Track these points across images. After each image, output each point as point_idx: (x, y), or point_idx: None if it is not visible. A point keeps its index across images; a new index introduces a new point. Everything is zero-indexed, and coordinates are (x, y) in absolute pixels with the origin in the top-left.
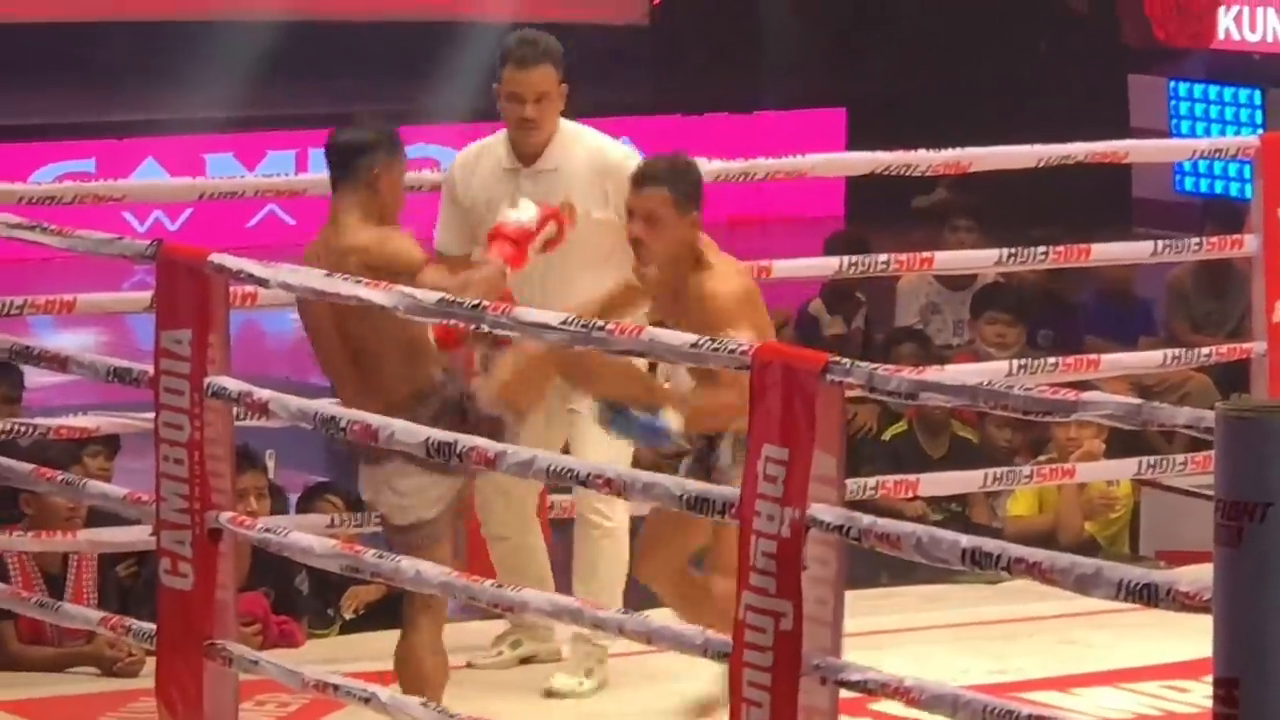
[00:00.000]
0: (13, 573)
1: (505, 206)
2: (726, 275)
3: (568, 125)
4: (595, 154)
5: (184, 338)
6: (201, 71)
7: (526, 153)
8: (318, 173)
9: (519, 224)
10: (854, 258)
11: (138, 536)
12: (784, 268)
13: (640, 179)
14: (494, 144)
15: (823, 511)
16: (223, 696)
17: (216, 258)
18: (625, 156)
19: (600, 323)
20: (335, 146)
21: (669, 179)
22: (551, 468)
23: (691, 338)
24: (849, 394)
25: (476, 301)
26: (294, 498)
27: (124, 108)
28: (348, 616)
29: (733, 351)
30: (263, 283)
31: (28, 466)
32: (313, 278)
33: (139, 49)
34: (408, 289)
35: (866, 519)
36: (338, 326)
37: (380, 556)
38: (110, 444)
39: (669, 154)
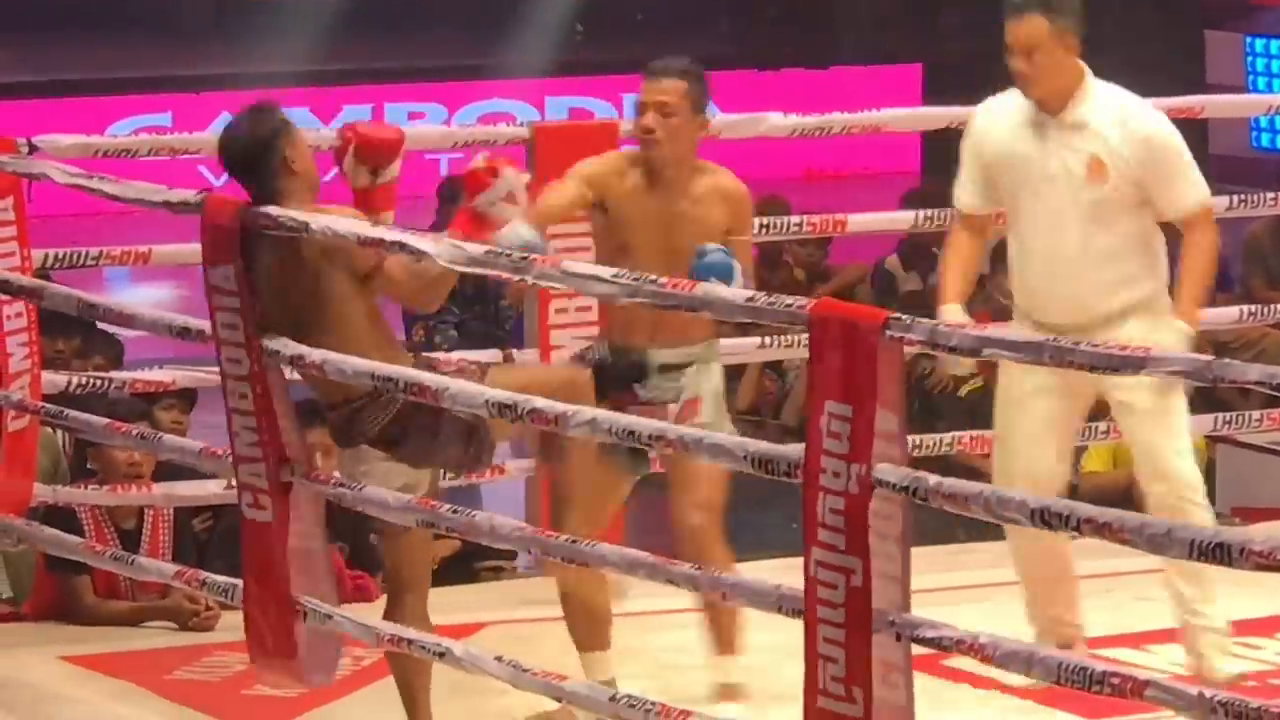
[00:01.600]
0: (86, 528)
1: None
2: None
3: (1101, 83)
4: (1128, 117)
5: (229, 273)
6: (278, 26)
7: (1046, 105)
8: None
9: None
10: (929, 212)
11: (213, 491)
12: (859, 222)
13: (662, 71)
14: (1018, 95)
15: (888, 471)
16: (320, 639)
17: (261, 208)
18: (1158, 129)
19: (652, 277)
20: (233, 156)
21: (690, 76)
22: (614, 428)
23: (748, 293)
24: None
25: (523, 255)
26: None
27: (200, 62)
28: None
29: (789, 307)
30: (304, 228)
31: (103, 421)
32: (355, 224)
33: (216, 3)
34: (457, 242)
35: (933, 478)
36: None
37: (455, 511)
38: (185, 398)
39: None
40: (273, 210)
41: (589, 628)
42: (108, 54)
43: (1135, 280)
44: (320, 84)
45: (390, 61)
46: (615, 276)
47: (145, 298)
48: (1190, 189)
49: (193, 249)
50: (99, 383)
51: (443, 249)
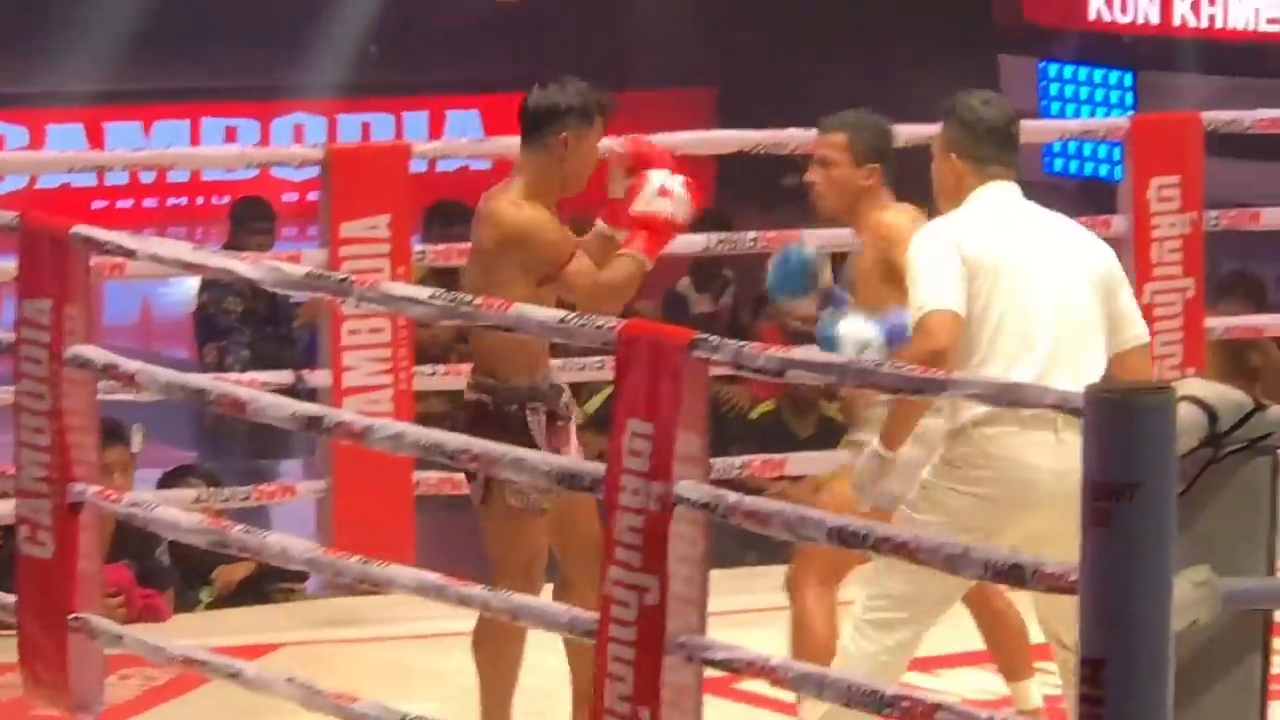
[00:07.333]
0: None
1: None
2: (904, 212)
3: None
4: None
5: (44, 307)
6: (66, 43)
7: None
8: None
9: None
10: (722, 235)
11: (5, 511)
12: None
13: (826, 126)
14: None
15: (689, 489)
16: (88, 668)
17: (81, 229)
18: None
19: (468, 298)
20: (525, 108)
21: (849, 126)
22: (420, 442)
23: (560, 314)
24: (718, 372)
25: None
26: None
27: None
28: (207, 599)
29: (599, 328)
30: (130, 254)
31: None
32: (181, 250)
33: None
34: (277, 264)
35: (734, 496)
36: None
37: (247, 532)
38: None
39: (858, 109)
40: (100, 234)
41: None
42: None
43: None
44: (92, 105)
45: (175, 81)
46: (432, 297)
47: None
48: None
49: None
50: None
51: (264, 272)
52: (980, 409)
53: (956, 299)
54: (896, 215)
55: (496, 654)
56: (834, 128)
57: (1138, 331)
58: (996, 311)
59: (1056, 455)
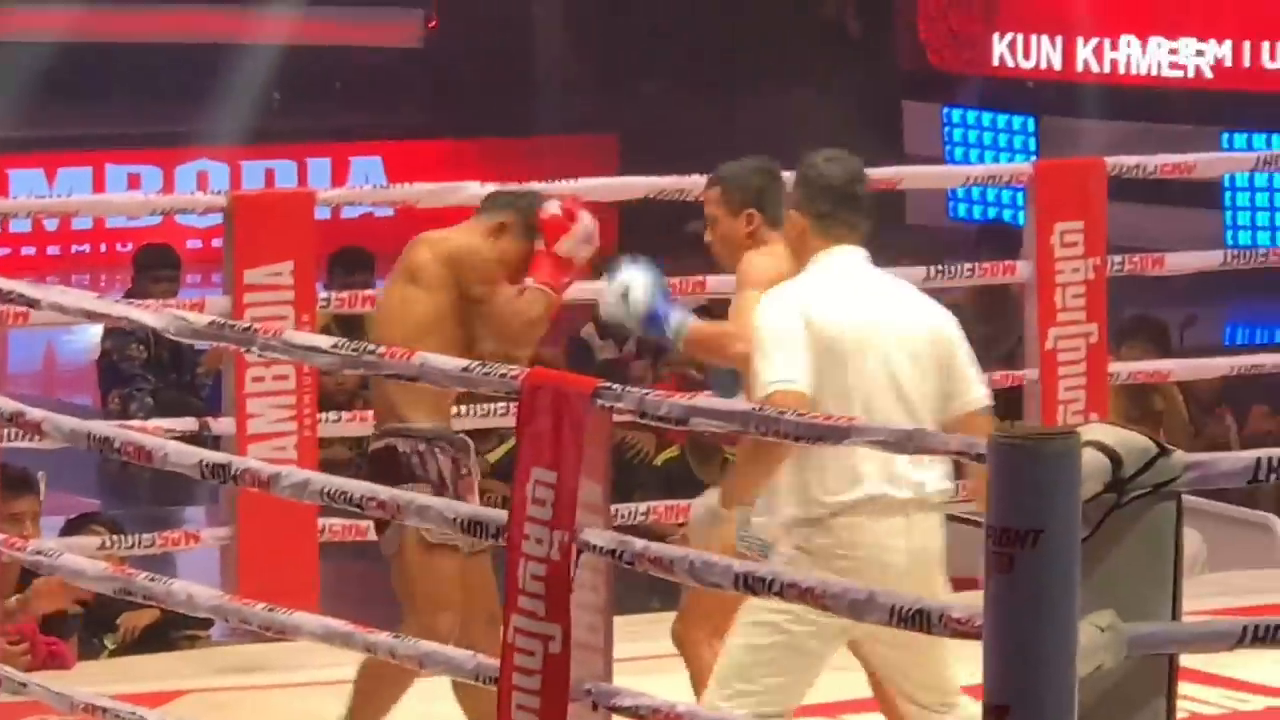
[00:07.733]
0: None
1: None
2: (773, 255)
3: None
4: None
5: None
6: None
7: None
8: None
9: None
10: None
11: None
12: None
13: (707, 182)
14: None
15: (595, 535)
16: None
17: None
18: None
19: (372, 347)
20: (492, 191)
21: (722, 179)
22: (326, 489)
23: (464, 362)
24: (623, 419)
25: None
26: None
27: None
28: (111, 646)
29: (503, 376)
30: (34, 304)
31: None
32: (84, 299)
33: None
34: (180, 313)
35: (639, 543)
36: None
37: (152, 579)
38: None
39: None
40: (3, 284)
41: None
42: None
43: None
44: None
45: (78, 128)
46: (335, 346)
47: None
48: None
49: None
50: None
51: (168, 320)
52: (835, 500)
53: (803, 375)
54: (759, 257)
55: (379, 680)
56: (711, 183)
57: (977, 394)
58: (840, 384)
59: (909, 535)
